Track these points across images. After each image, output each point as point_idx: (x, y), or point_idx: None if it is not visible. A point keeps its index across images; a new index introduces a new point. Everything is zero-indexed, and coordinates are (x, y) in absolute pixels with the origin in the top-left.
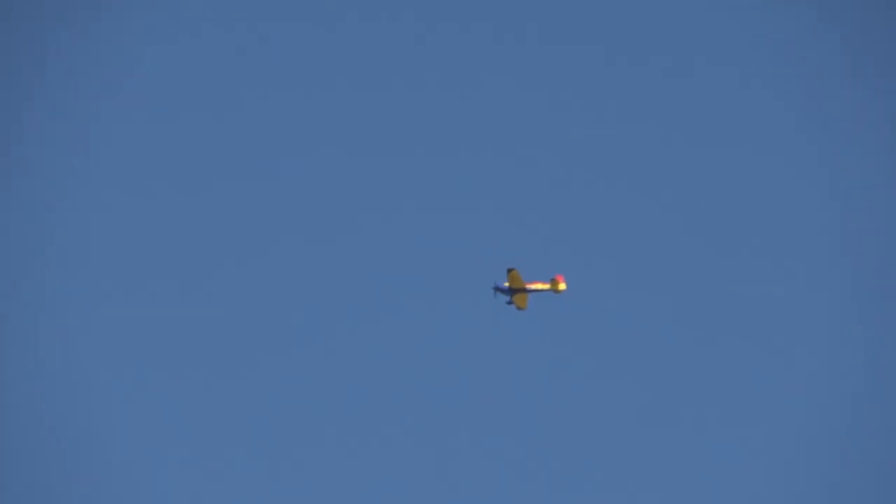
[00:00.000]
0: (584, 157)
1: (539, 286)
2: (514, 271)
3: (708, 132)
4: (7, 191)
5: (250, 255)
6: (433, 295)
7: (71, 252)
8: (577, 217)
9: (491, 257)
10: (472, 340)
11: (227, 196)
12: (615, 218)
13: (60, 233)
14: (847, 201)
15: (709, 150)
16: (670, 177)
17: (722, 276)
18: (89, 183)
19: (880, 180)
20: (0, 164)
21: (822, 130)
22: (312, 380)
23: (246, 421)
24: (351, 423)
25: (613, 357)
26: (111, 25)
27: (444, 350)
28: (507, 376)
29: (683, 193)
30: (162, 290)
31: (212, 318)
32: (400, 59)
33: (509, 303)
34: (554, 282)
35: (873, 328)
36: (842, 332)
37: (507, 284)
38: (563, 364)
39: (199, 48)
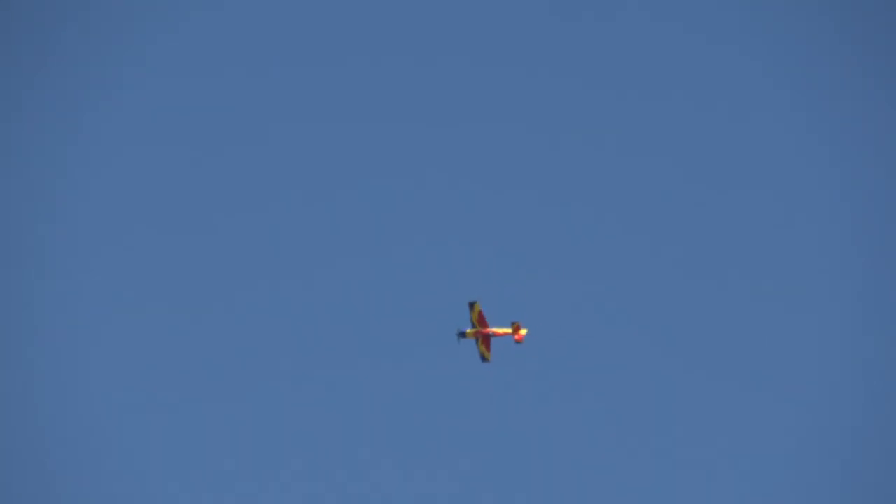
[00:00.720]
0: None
1: (500, 331)
2: (476, 304)
3: (711, 133)
4: (4, 191)
5: (243, 256)
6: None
7: (65, 251)
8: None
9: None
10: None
11: (219, 195)
12: (612, 222)
13: (53, 232)
14: (849, 199)
15: (711, 155)
16: (670, 176)
17: (725, 279)
18: (82, 182)
19: (883, 179)
20: None
21: (825, 129)
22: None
23: (239, 421)
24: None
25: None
26: (106, 24)
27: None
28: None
29: (684, 193)
30: (156, 289)
31: (205, 317)
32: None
33: (462, 335)
34: (514, 327)
35: (877, 327)
36: (844, 330)
37: (468, 331)
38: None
39: (194, 46)
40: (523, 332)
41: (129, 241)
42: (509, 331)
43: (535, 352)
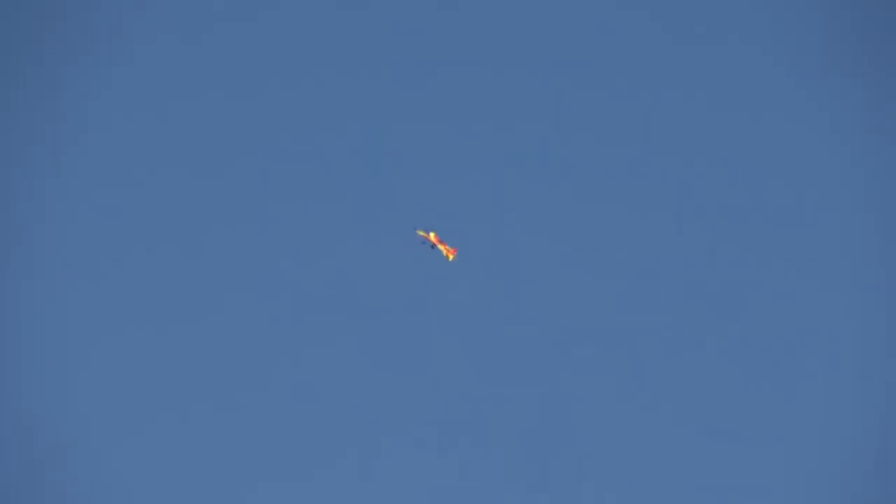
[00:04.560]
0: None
1: (441, 247)
2: (421, 231)
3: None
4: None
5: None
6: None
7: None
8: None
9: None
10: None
11: (205, 195)
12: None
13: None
14: (848, 201)
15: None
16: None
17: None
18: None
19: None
20: None
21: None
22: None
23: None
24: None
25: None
26: (100, 23)
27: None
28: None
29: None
30: (142, 289)
31: (194, 316)
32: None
33: (433, 247)
34: (448, 250)
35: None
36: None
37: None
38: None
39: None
40: (451, 257)
41: (126, 245)
42: (443, 250)
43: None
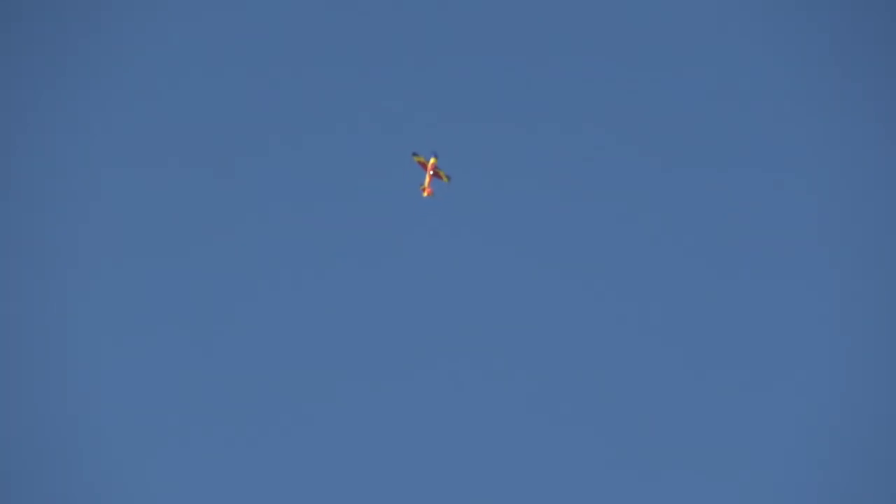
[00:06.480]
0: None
1: (427, 177)
2: (419, 156)
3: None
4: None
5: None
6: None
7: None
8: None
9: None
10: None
11: (206, 197)
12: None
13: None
14: (843, 203)
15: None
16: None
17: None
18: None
19: (879, 181)
20: None
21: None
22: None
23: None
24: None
25: None
26: (100, 24)
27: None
28: None
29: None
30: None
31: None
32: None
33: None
34: (427, 187)
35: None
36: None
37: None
38: None
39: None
40: (425, 193)
41: (130, 246)
42: (427, 175)
43: None
